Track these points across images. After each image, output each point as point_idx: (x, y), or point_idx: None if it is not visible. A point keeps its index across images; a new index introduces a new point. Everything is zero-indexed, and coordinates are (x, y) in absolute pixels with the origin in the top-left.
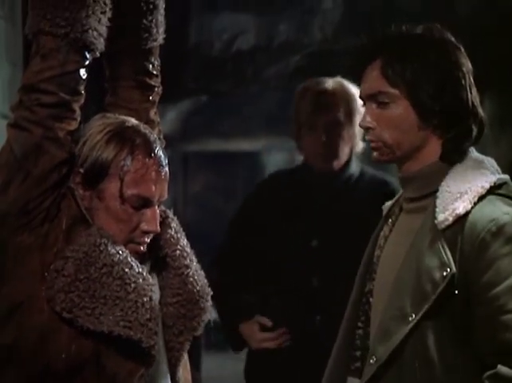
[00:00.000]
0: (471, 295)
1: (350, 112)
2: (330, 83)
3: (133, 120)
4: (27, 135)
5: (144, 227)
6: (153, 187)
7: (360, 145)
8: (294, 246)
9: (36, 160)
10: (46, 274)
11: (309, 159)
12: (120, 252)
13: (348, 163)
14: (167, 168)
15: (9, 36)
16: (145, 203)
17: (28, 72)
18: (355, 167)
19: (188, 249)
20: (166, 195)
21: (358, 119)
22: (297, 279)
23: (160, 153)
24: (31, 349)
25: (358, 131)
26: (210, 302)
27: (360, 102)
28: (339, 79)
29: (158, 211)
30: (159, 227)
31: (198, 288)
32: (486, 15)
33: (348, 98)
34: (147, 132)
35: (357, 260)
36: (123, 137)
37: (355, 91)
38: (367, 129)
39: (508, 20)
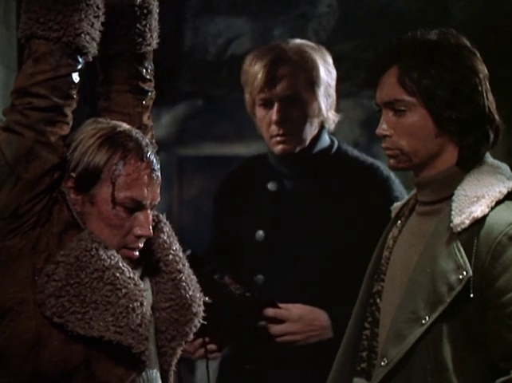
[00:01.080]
0: (486, 299)
1: (311, 82)
2: (285, 46)
3: (125, 125)
4: (19, 138)
5: (137, 231)
6: (145, 190)
7: (331, 120)
8: (240, 239)
9: (27, 165)
10: (37, 278)
11: (266, 140)
12: (112, 257)
13: (314, 142)
14: (159, 173)
15: (3, 39)
16: (137, 206)
17: (20, 75)
18: (324, 146)
19: (181, 254)
20: (158, 199)
21: (322, 90)
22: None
23: (152, 157)
24: (22, 352)
25: (325, 104)
26: (202, 307)
27: (323, 70)
28: (298, 41)
29: (150, 215)
30: (152, 231)
31: (190, 293)
32: (482, 20)
33: (308, 65)
34: (139, 136)
35: (314, 253)
36: (115, 142)
37: (317, 56)
38: (384, 137)
39: (505, 25)
